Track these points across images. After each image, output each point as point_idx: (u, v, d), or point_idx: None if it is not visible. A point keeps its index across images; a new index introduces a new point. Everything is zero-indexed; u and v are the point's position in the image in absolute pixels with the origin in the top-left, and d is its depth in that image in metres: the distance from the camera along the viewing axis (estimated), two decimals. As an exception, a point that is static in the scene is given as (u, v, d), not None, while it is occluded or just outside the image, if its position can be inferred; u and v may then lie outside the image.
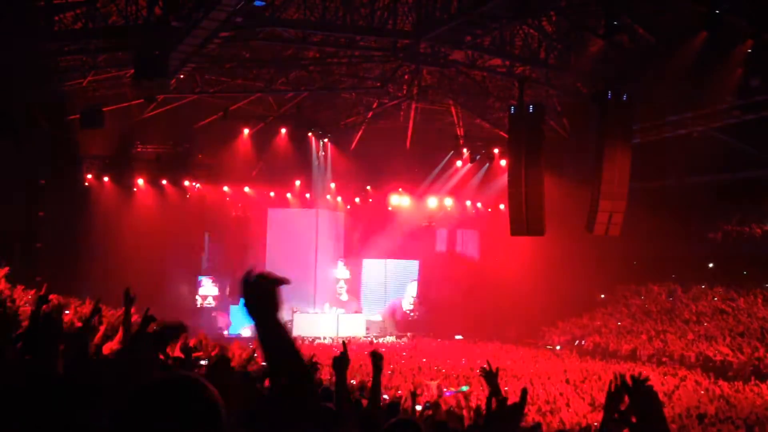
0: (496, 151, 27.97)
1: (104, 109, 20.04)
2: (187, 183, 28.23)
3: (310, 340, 27.61)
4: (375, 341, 28.66)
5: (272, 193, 30.71)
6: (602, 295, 31.77)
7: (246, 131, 26.70)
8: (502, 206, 29.24)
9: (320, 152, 28.11)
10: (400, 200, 32.21)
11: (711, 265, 29.88)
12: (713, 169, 24.77)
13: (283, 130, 26.94)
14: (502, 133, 24.89)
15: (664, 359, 24.12)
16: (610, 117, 17.60)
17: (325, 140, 27.70)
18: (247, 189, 29.94)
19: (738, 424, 15.99)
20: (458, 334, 29.03)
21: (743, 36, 15.97)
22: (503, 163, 26.04)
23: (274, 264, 30.41)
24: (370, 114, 26.78)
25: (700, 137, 22.37)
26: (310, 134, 27.66)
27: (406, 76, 22.95)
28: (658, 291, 30.50)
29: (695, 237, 28.84)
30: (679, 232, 28.16)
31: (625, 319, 28.84)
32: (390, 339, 29.55)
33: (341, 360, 4.24)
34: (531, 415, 15.87)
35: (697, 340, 24.69)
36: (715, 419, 16.26)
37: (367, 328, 30.64)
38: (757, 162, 23.78)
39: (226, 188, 29.60)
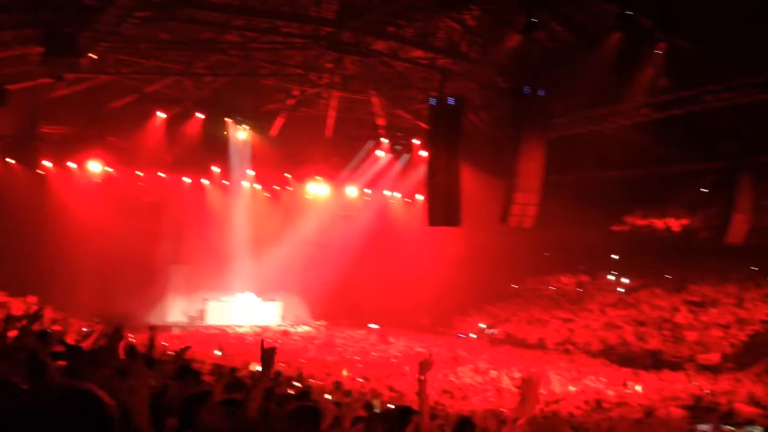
0: (416, 142, 28.24)
1: (8, 87, 19.12)
2: (97, 167, 27.21)
3: (224, 328, 27.27)
4: (290, 329, 28.57)
5: (188, 179, 30.01)
6: (514, 285, 32.64)
7: (161, 115, 25.94)
8: (420, 197, 29.65)
9: (239, 138, 27.60)
10: (318, 188, 32.13)
11: (616, 256, 31.13)
12: (622, 165, 25.80)
13: (201, 115, 26.32)
14: (422, 124, 25.12)
15: (569, 347, 25.04)
16: (527, 111, 18.05)
17: (245, 126, 27.24)
18: (161, 174, 29.13)
19: (636, 409, 16.81)
20: (373, 323, 29.22)
21: (655, 38, 16.66)
22: (423, 154, 26.29)
23: (188, 251, 29.82)
24: (292, 101, 26.51)
25: (612, 134, 23.27)
26: (228, 120, 27.14)
27: (328, 65, 22.83)
28: (567, 281, 31.60)
29: (603, 229, 29.98)
30: (588, 224, 29.23)
31: (534, 308, 29.75)
32: (305, 328, 29.47)
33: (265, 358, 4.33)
34: (444, 403, 16.19)
35: (601, 329, 25.73)
36: (613, 405, 17.04)
37: (283, 317, 30.48)
38: (663, 159, 24.97)
39: (139, 173, 28.70)
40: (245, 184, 30.58)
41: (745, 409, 16.77)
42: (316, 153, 29.40)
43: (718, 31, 16.71)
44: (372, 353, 23.56)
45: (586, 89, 20.05)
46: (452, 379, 19.13)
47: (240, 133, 27.19)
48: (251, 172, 30.04)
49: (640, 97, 19.97)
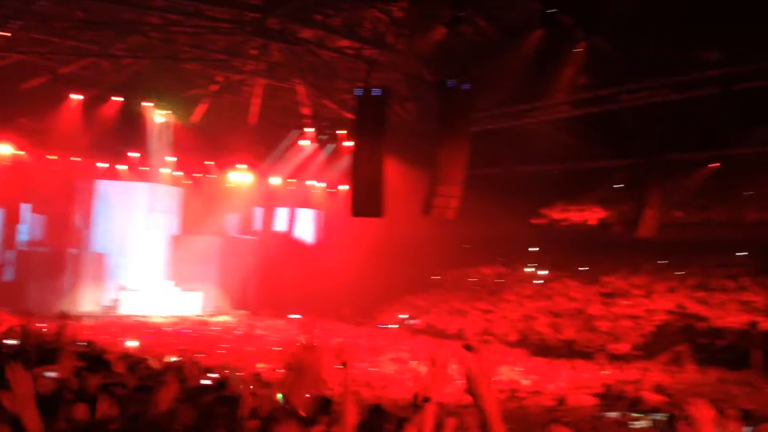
0: (341, 132, 28.15)
1: None
2: (7, 149, 25.99)
3: (141, 318, 26.57)
4: (210, 320, 28.10)
5: (103, 164, 29.01)
6: (436, 276, 33.03)
7: (77, 97, 24.96)
8: (344, 187, 29.58)
9: (158, 124, 26.83)
10: (241, 177, 31.63)
11: (535, 249, 31.91)
12: (542, 160, 26.45)
13: (119, 98, 25.47)
14: (347, 114, 25.06)
15: (488, 338, 25.53)
16: (451, 105, 18.22)
17: (165, 112, 26.51)
18: (74, 158, 28.04)
19: (549, 396, 17.33)
20: (294, 313, 29.05)
21: (575, 36, 17.10)
22: (348, 144, 26.24)
23: (102, 238, 28.93)
24: (215, 87, 25.97)
25: (533, 129, 23.84)
26: (147, 104, 26.36)
27: (253, 51, 22.46)
28: (487, 273, 32.21)
29: (523, 222, 30.65)
30: (508, 217, 29.83)
31: (455, 299, 30.18)
32: (224, 318, 29.03)
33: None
34: (364, 393, 16.23)
35: (519, 320, 26.35)
36: (528, 394, 17.52)
37: (203, 307, 29.96)
38: (582, 155, 25.74)
39: (51, 156, 27.55)
40: (165, 171, 29.79)
41: (651, 397, 17.51)
42: (239, 141, 28.89)
43: (636, 32, 17.32)
44: (295, 344, 23.40)
45: (509, 85, 20.45)
46: (372, 369, 19.22)
47: (160, 119, 26.46)
48: (171, 159, 29.28)
49: (561, 94, 20.50)
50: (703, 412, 2.24)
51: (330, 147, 29.80)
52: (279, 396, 4.99)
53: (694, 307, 23.64)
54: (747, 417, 15.15)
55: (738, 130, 22.07)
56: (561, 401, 17.10)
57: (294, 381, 2.59)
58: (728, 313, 22.73)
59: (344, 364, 4.70)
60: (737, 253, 25.71)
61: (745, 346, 21.73)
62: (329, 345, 19.95)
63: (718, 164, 24.58)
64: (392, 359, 20.94)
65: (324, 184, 32.96)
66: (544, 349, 23.45)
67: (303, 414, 5.28)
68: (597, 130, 23.51)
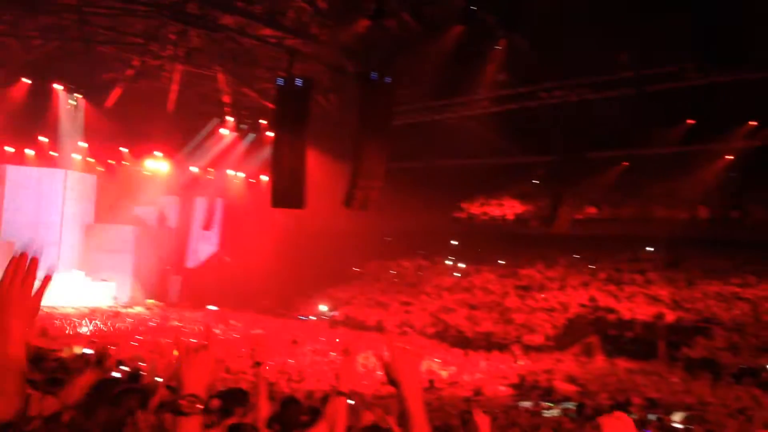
0: (262, 121, 27.75)
1: None
2: None
3: (48, 309, 25.51)
4: (122, 311, 27.26)
5: (10, 149, 27.67)
6: (356, 269, 33.07)
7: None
8: (265, 177, 29.20)
9: (70, 108, 25.76)
10: (157, 165, 30.74)
11: (455, 242, 32.37)
12: (463, 154, 26.80)
13: (28, 80, 24.33)
14: (269, 104, 24.72)
15: (407, 329, 25.75)
16: (373, 97, 18.19)
17: (77, 95, 25.47)
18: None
19: (466, 387, 17.62)
20: (212, 304, 28.55)
21: (497, 34, 17.37)
22: (269, 134, 25.89)
23: (10, 226, 27.63)
24: (130, 72, 25.11)
25: (454, 124, 24.12)
26: (59, 87, 25.27)
27: (171, 36, 21.85)
28: (407, 265, 32.46)
29: (443, 216, 31.02)
30: (429, 210, 30.15)
31: (375, 291, 30.30)
32: (138, 309, 28.23)
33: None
34: (282, 385, 16.10)
35: (437, 312, 26.67)
36: (445, 385, 17.77)
37: (115, 297, 29.04)
38: (501, 150, 26.22)
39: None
40: (76, 156, 28.66)
41: (563, 387, 18.06)
42: (156, 128, 28.03)
43: (555, 33, 17.74)
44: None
45: (431, 79, 20.62)
46: (290, 361, 19.10)
47: (71, 102, 25.43)
48: (83, 145, 28.19)
49: (482, 91, 20.81)
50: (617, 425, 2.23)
51: (251, 136, 29.32)
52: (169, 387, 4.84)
53: (604, 300, 24.49)
54: (652, 405, 15.85)
55: (649, 130, 22.94)
56: (477, 392, 17.43)
57: (185, 373, 2.50)
58: (636, 305, 23.64)
59: (256, 360, 4.62)
60: (646, 249, 26.80)
61: (652, 338, 22.68)
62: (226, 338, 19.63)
63: (627, 163, 25.53)
64: (311, 351, 20.86)
65: (244, 174, 32.41)
66: (461, 341, 23.82)
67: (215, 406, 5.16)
68: (516, 126, 24.01)
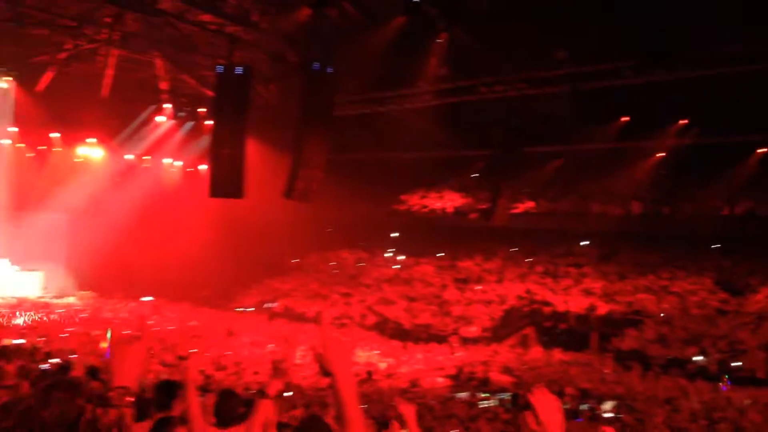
0: (201, 109, 27.20)
1: None
2: None
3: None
4: (52, 301, 26.45)
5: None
6: (296, 260, 32.87)
7: None
8: (203, 167, 28.67)
9: (0, 92, 24.74)
10: (91, 152, 29.80)
11: (395, 234, 32.48)
12: (404, 147, 26.91)
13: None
14: (208, 92, 24.26)
15: (346, 321, 25.76)
16: (315, 87, 18.06)
17: (8, 79, 24.46)
18: None
19: (404, 378, 17.75)
20: (148, 295, 27.95)
21: (438, 28, 17.43)
22: (208, 122, 25.41)
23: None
24: (63, 55, 24.23)
25: (396, 116, 24.16)
26: (-15, 69, 24.23)
27: (107, 19, 21.17)
28: (347, 257, 32.44)
29: (384, 208, 31.08)
30: (369, 202, 30.19)
31: (315, 283, 30.20)
32: (69, 300, 27.42)
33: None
34: (218, 377, 15.92)
35: (376, 304, 26.75)
36: (384, 375, 17.87)
37: (45, 288, 28.16)
38: (442, 144, 26.43)
39: None
40: (5, 141, 27.58)
41: (499, 378, 18.36)
42: (89, 114, 27.16)
43: (496, 29, 17.92)
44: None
45: (373, 71, 20.57)
46: (228, 353, 18.87)
47: (1, 86, 24.44)
48: (13, 129, 27.13)
49: (423, 84, 20.88)
50: (544, 401, 2.28)
51: (189, 124, 28.70)
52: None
53: (541, 293, 24.99)
54: (584, 395, 16.26)
55: (586, 126, 23.45)
56: (414, 383, 17.56)
57: (115, 365, 2.43)
58: (571, 298, 24.21)
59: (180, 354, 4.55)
60: (581, 243, 27.43)
61: (585, 329, 23.26)
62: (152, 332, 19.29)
63: (562, 159, 26.07)
64: (249, 343, 20.67)
65: (181, 163, 31.72)
66: (400, 333, 23.96)
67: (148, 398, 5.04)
68: (457, 120, 24.21)
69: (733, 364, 18.31)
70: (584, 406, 14.77)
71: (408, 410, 3.68)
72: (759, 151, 22.35)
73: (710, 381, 17.42)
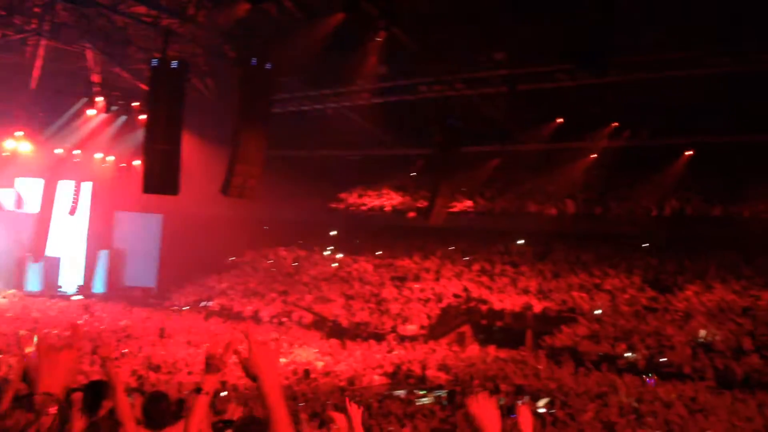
0: (135, 103, 26.51)
1: None
2: None
3: None
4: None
5: None
6: (232, 258, 32.43)
7: None
8: (137, 162, 27.96)
9: None
10: (17, 145, 28.70)
11: (333, 232, 32.38)
12: (343, 145, 26.85)
13: None
14: (142, 85, 23.68)
15: (284, 320, 25.56)
16: (253, 83, 17.84)
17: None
18: None
19: (341, 376, 17.71)
20: (78, 294, 27.17)
21: (378, 26, 17.42)
22: (142, 117, 24.78)
23: None
24: (-11, 45, 23.29)
25: (335, 114, 24.09)
26: None
27: (36, 9, 20.44)
28: (285, 255, 32.17)
29: (322, 206, 30.93)
30: (308, 200, 30.01)
31: (251, 281, 29.85)
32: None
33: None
34: (152, 378, 15.58)
35: (314, 302, 26.62)
36: (321, 373, 17.81)
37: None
38: (380, 142, 26.49)
39: None
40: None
41: (436, 376, 18.50)
42: (17, 106, 26.19)
43: (435, 29, 18.05)
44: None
45: (312, 68, 20.45)
46: (161, 352, 18.49)
47: None
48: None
49: (362, 82, 20.85)
50: (483, 407, 2.33)
51: (122, 118, 27.92)
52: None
53: (477, 291, 25.29)
54: (519, 391, 16.51)
55: (522, 127, 23.83)
56: (352, 381, 17.54)
57: (42, 371, 2.33)
58: (507, 296, 24.57)
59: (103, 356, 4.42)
60: (517, 242, 27.87)
61: (520, 327, 23.64)
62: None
63: (499, 159, 26.44)
64: (183, 342, 20.28)
65: (114, 158, 30.82)
66: (338, 331, 23.88)
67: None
68: (396, 119, 24.28)
69: (661, 360, 18.88)
70: (519, 403, 15.00)
71: (355, 412, 3.67)
72: (686, 153, 23.12)
73: (639, 376, 17.92)
